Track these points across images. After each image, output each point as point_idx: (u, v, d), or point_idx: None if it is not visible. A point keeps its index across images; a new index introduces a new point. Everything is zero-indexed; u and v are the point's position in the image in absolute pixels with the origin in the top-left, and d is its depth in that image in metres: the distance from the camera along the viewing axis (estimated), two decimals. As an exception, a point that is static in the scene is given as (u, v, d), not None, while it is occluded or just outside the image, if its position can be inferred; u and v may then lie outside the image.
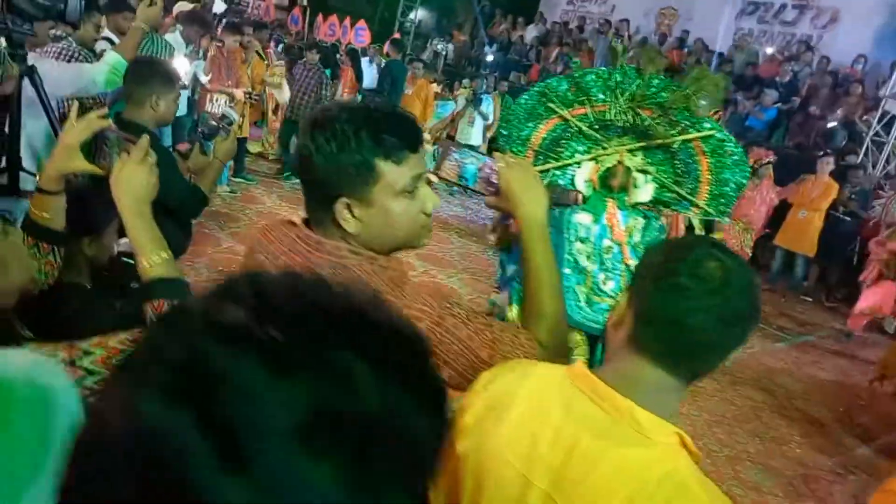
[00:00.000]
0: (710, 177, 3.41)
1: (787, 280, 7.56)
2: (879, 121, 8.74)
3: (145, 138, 1.29)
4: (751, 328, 0.90)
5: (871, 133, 8.72)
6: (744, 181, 3.47)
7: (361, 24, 13.79)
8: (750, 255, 6.67)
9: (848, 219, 7.30)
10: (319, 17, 14.82)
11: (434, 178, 1.28)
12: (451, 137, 10.57)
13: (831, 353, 5.88)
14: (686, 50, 12.24)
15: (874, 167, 8.56)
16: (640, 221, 3.58)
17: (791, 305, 7.16)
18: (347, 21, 13.90)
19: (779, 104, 10.10)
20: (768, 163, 6.95)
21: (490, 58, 14.24)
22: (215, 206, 5.84)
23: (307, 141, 1.02)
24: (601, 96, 3.41)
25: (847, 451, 4.14)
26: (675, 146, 3.38)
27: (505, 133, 3.58)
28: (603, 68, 3.54)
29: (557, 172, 3.60)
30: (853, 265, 7.25)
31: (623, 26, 13.21)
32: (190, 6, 6.01)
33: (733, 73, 11.06)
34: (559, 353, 1.14)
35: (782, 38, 12.30)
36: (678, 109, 3.23)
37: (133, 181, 1.25)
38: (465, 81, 11.21)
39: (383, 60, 10.88)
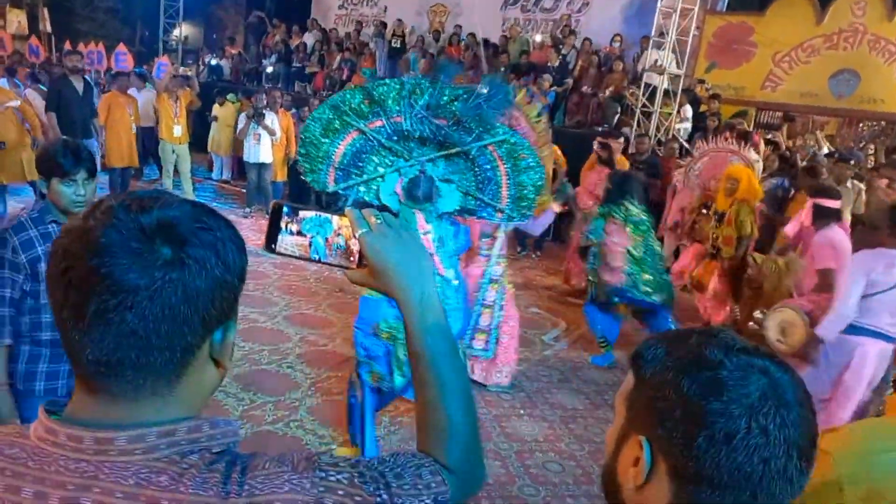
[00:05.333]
0: (508, 181, 3.36)
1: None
2: (644, 93, 9.57)
3: None
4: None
5: (640, 105, 9.53)
6: (540, 183, 3.44)
7: (121, 48, 12.48)
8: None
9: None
10: (67, 44, 13.18)
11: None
12: (238, 157, 9.86)
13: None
14: (462, 44, 12.57)
15: (647, 135, 9.36)
16: (451, 230, 3.48)
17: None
18: (101, 47, 12.50)
19: (555, 87, 10.72)
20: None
21: (270, 69, 13.56)
22: None
23: None
24: (395, 107, 3.19)
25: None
26: (472, 153, 3.26)
27: (303, 152, 3.23)
28: (395, 79, 3.32)
29: (362, 188, 3.32)
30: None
31: (398, 26, 13.24)
32: None
33: (509, 62, 11.55)
34: (474, 477, 0.88)
35: (545, 25, 13.11)
36: (471, 117, 3.11)
37: None
38: (230, 96, 10.58)
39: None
